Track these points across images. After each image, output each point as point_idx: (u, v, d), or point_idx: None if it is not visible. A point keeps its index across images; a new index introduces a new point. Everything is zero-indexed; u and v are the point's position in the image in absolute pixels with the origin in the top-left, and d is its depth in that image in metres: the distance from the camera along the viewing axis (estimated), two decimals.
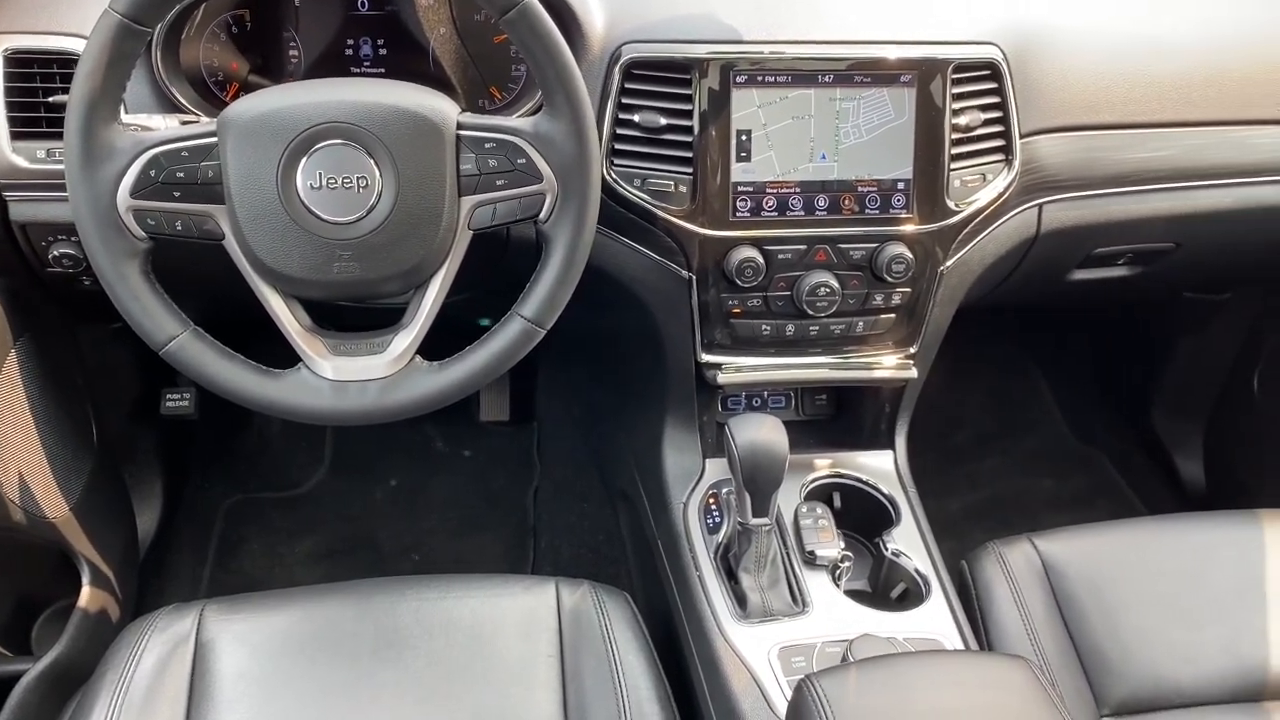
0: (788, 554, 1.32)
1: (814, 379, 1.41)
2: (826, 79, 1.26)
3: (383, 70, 1.32)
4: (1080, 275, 1.58)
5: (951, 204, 1.32)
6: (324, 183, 1.00)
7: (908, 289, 1.35)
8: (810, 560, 1.31)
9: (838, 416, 1.58)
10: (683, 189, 1.27)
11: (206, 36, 1.28)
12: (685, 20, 1.26)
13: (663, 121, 1.25)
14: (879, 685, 0.93)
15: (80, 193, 0.98)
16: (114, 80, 0.96)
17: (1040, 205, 1.41)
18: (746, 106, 1.25)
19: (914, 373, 1.41)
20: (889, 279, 1.33)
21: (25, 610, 1.58)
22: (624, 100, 1.25)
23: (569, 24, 1.24)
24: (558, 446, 2.19)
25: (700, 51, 1.24)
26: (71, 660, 1.42)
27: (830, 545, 1.31)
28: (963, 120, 1.30)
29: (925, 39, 1.29)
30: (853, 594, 1.29)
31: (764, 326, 1.35)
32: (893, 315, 1.37)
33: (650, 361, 1.46)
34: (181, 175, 0.99)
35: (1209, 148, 1.46)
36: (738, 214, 1.28)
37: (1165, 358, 2.12)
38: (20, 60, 1.20)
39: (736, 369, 1.38)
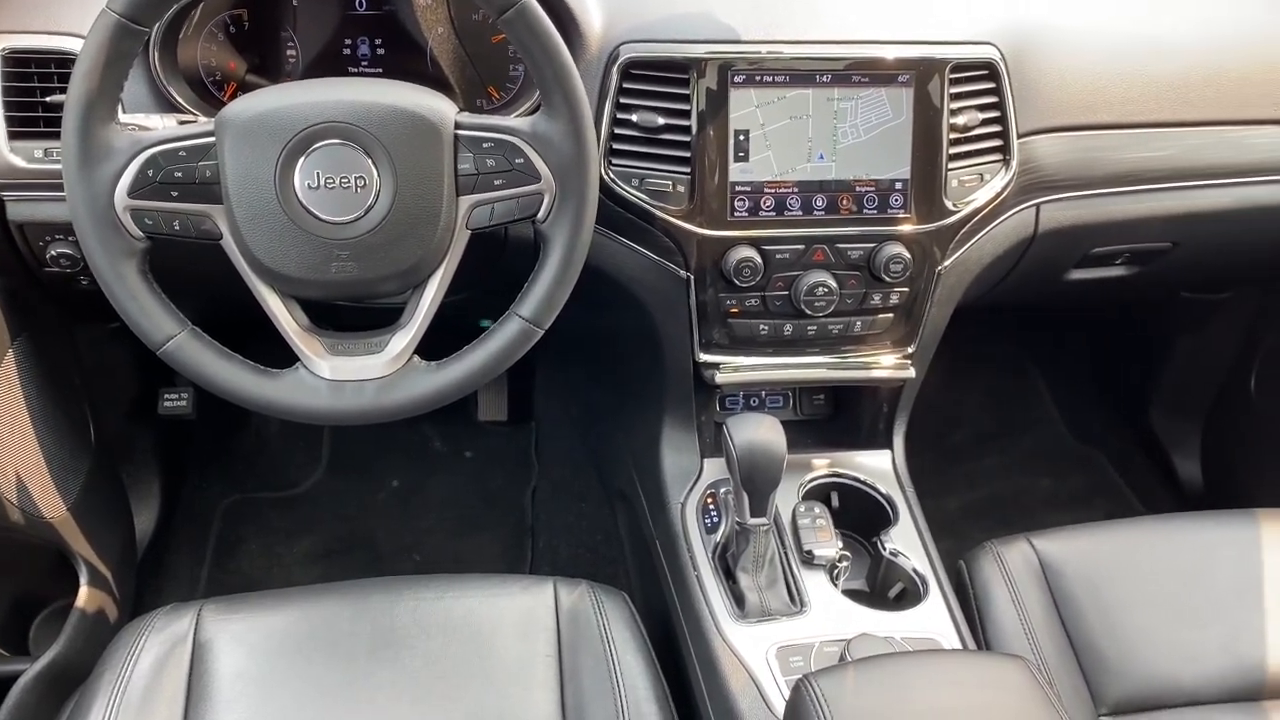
0: (786, 554, 1.32)
1: (812, 379, 1.41)
2: (824, 79, 1.26)
3: (380, 70, 1.32)
4: (1078, 275, 1.59)
5: (949, 204, 1.32)
6: (322, 182, 0.99)
7: (905, 289, 1.35)
8: (808, 560, 1.31)
9: (836, 416, 1.58)
10: (680, 189, 1.27)
11: (204, 36, 1.28)
12: (683, 20, 1.26)
13: (661, 121, 1.25)
14: (877, 685, 0.93)
15: (78, 192, 0.98)
16: (111, 80, 0.96)
17: (1038, 205, 1.41)
18: (744, 106, 1.25)
19: (912, 372, 1.41)
20: (887, 279, 1.33)
21: (23, 610, 1.58)
22: (622, 100, 1.25)
23: (567, 24, 1.24)
24: (556, 446, 2.19)
25: (698, 51, 1.24)
26: (69, 660, 1.42)
27: (828, 545, 1.31)
28: (960, 120, 1.30)
29: (923, 39, 1.29)
30: (850, 594, 1.29)
31: (762, 326, 1.35)
32: (890, 315, 1.37)
33: (648, 361, 1.46)
34: (179, 175, 0.99)
35: (1207, 148, 1.46)
36: (735, 214, 1.28)
37: (1163, 357, 2.12)
38: (18, 60, 1.20)
39: (734, 369, 1.38)
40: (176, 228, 1.00)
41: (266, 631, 1.15)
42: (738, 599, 1.27)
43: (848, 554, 1.33)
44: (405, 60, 1.32)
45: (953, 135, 1.30)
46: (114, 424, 1.80)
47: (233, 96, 1.28)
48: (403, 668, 1.13)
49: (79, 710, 1.09)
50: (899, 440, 1.51)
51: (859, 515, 1.44)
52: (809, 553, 1.31)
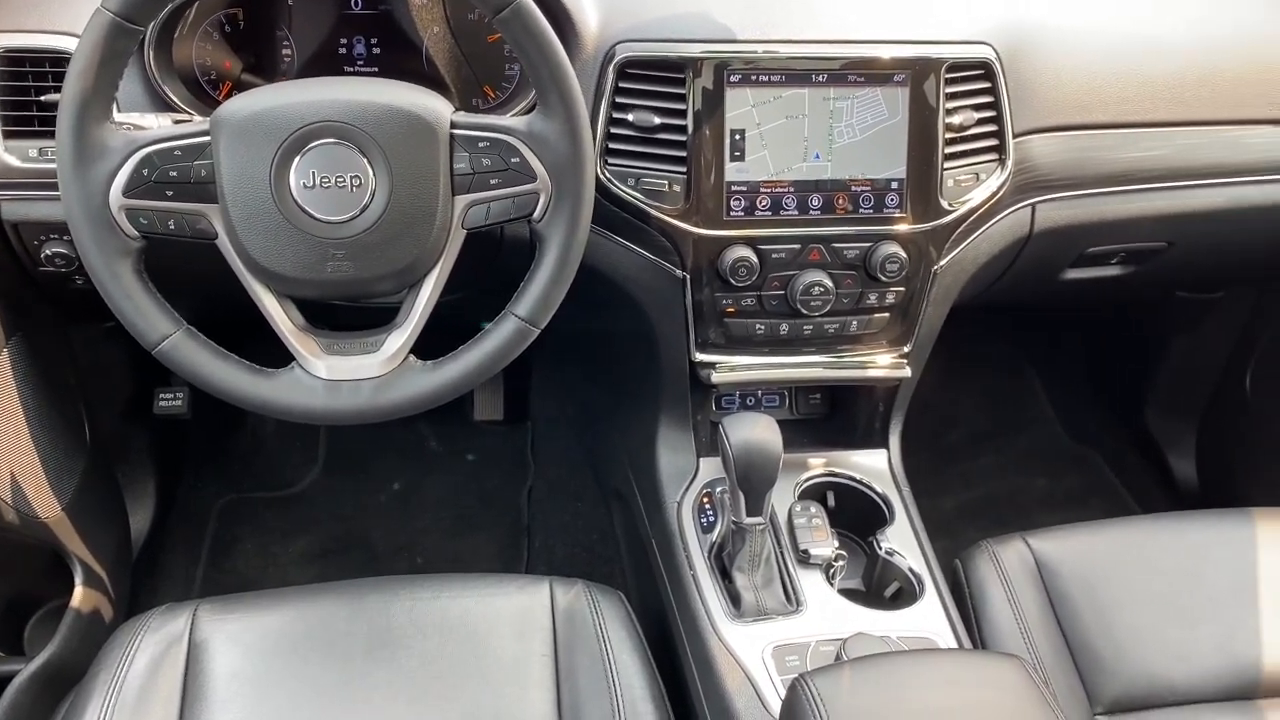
0: (782, 553, 1.32)
1: (808, 378, 1.41)
2: (820, 78, 1.26)
3: (376, 69, 1.32)
4: (1073, 274, 1.59)
5: (945, 203, 1.32)
6: (317, 182, 0.99)
7: (901, 288, 1.35)
8: (804, 559, 1.31)
9: (832, 416, 1.58)
10: (677, 188, 1.27)
11: (199, 35, 1.28)
12: (679, 19, 1.26)
13: (657, 121, 1.25)
14: (873, 684, 0.93)
15: (72, 192, 0.97)
16: (106, 79, 0.96)
17: (1033, 204, 1.41)
18: (740, 106, 1.25)
19: (908, 372, 1.41)
20: (883, 278, 1.33)
21: (18, 610, 1.58)
22: (618, 99, 1.25)
23: (563, 23, 1.24)
24: (552, 446, 2.19)
25: (694, 51, 1.24)
26: (64, 660, 1.42)
27: (824, 544, 1.31)
28: (956, 120, 1.30)
29: (919, 38, 1.29)
30: (846, 593, 1.29)
31: (758, 326, 1.35)
32: (886, 314, 1.37)
33: (644, 361, 1.46)
34: (174, 174, 0.99)
35: (1202, 147, 1.46)
36: (732, 213, 1.28)
37: (1158, 357, 2.12)
38: (12, 59, 1.19)
39: (731, 368, 1.38)
40: (171, 227, 1.00)
41: (262, 631, 1.15)
42: (734, 598, 1.27)
43: (843, 553, 1.33)
44: (401, 59, 1.32)
45: (948, 135, 1.30)
46: (109, 424, 1.80)
47: (228, 96, 1.27)
48: (399, 667, 1.13)
49: (74, 710, 1.09)
50: (895, 440, 1.51)
51: (855, 515, 1.44)
52: (805, 552, 1.31)
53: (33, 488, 1.40)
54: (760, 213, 1.29)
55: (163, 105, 1.22)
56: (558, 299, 1.07)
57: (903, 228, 1.32)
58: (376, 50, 1.32)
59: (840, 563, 1.32)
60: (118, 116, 1.02)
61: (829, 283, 1.32)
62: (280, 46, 1.31)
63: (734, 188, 1.27)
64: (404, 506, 2.09)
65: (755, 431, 1.19)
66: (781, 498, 1.36)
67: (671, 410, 1.46)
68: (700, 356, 1.37)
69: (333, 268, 1.02)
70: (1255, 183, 1.50)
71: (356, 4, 1.30)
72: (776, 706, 1.14)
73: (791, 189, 1.29)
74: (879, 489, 1.44)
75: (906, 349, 1.41)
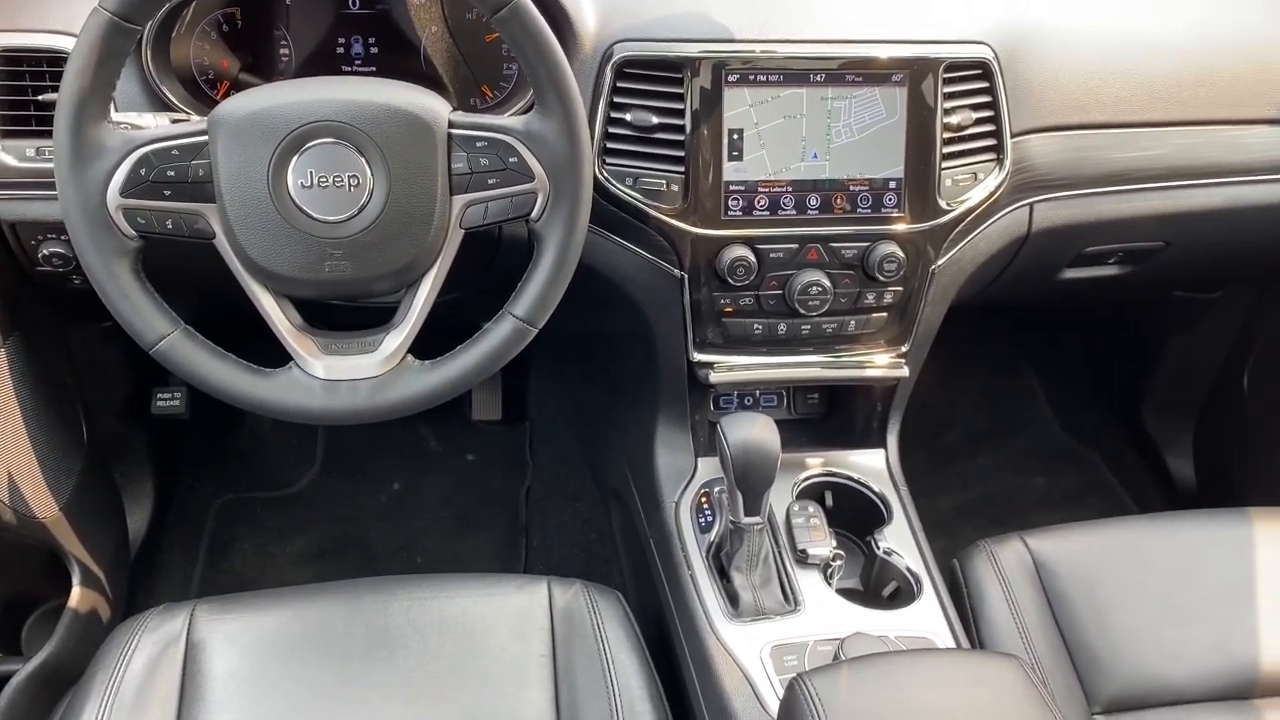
0: (779, 553, 1.32)
1: (806, 378, 1.41)
2: (818, 78, 1.27)
3: (374, 69, 1.32)
4: (1071, 274, 1.59)
5: (943, 203, 1.32)
6: (315, 181, 0.99)
7: (899, 288, 1.35)
8: (802, 559, 1.31)
9: (830, 415, 1.58)
10: (675, 188, 1.27)
11: (197, 35, 1.28)
12: (677, 19, 1.26)
13: (655, 120, 1.25)
14: (870, 684, 0.93)
15: (70, 191, 0.97)
16: (104, 78, 0.96)
17: (1031, 204, 1.41)
18: (738, 105, 1.25)
19: (906, 371, 1.41)
20: (881, 278, 1.33)
21: (15, 610, 1.58)
22: (616, 99, 1.25)
23: (561, 23, 1.24)
24: (550, 446, 2.19)
25: (692, 50, 1.24)
26: (62, 661, 1.42)
27: (822, 544, 1.31)
28: (954, 119, 1.30)
29: (917, 38, 1.29)
30: (844, 593, 1.29)
31: (756, 325, 1.35)
32: (884, 314, 1.37)
33: (642, 360, 1.46)
34: (172, 174, 0.99)
35: (1199, 147, 1.46)
36: (730, 213, 1.28)
37: (1156, 356, 2.13)
38: (10, 58, 1.19)
39: (729, 368, 1.38)
40: (169, 227, 1.00)
41: (260, 632, 1.15)
42: (732, 598, 1.27)
43: (841, 553, 1.33)
44: (399, 59, 1.32)
45: (946, 135, 1.30)
46: (107, 424, 1.80)
47: (225, 95, 1.28)
48: (397, 667, 1.13)
49: (71, 711, 1.08)
50: (893, 439, 1.51)
51: (853, 514, 1.44)
52: (803, 552, 1.31)
53: (30, 488, 1.40)
54: (758, 212, 1.29)
55: (160, 105, 1.22)
56: (556, 299, 1.07)
57: (900, 227, 1.32)
58: (374, 50, 1.32)
59: (838, 562, 1.31)
60: (115, 116, 1.02)
61: (827, 282, 1.32)
62: (278, 46, 1.30)
63: (732, 187, 1.27)
64: (401, 506, 2.09)
65: (753, 431, 1.19)
66: (779, 497, 1.36)
67: (669, 410, 1.46)
68: (698, 356, 1.37)
69: (330, 267, 1.01)
70: (1253, 182, 1.50)
71: (354, 3, 1.30)
72: (774, 706, 1.14)
73: (789, 189, 1.29)
74: (877, 489, 1.44)
75: (904, 349, 1.41)
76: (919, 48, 1.28)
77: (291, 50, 1.31)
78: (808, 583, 1.29)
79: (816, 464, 1.46)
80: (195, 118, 1.18)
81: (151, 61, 1.21)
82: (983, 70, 1.31)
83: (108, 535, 1.64)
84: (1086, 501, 2.18)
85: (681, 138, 1.25)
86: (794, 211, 1.29)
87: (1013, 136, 1.34)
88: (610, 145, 1.26)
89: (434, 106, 1.02)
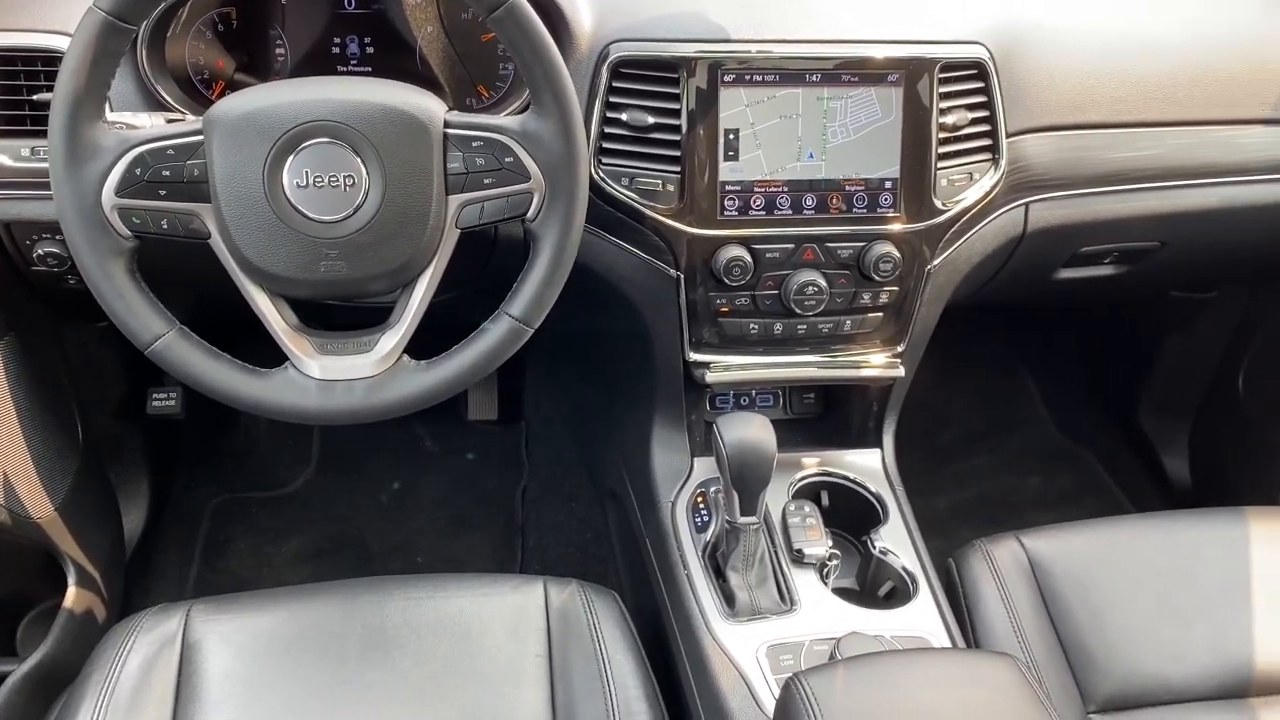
0: (776, 552, 1.32)
1: (802, 378, 1.41)
2: (814, 78, 1.27)
3: (370, 69, 1.32)
4: (1067, 274, 1.59)
5: (938, 203, 1.32)
6: (310, 181, 0.99)
7: (895, 288, 1.36)
8: (798, 559, 1.31)
9: (826, 415, 1.59)
10: (670, 188, 1.27)
11: (192, 34, 1.28)
12: (673, 19, 1.26)
13: (650, 120, 1.25)
14: (866, 683, 0.93)
15: (65, 191, 0.97)
16: (99, 78, 0.96)
17: (1027, 204, 1.41)
18: (734, 105, 1.25)
19: (901, 371, 1.41)
20: (876, 278, 1.33)
21: (10, 611, 1.58)
22: (612, 99, 1.25)
23: (557, 23, 1.24)
24: (546, 446, 2.19)
25: (688, 50, 1.24)
26: (57, 661, 1.42)
27: (818, 544, 1.31)
28: (950, 119, 1.30)
29: (912, 38, 1.29)
30: (840, 592, 1.29)
31: (752, 325, 1.35)
32: (880, 314, 1.37)
33: (638, 360, 1.46)
34: (167, 174, 0.99)
35: (1195, 147, 1.46)
36: (725, 213, 1.28)
37: (1151, 356, 2.13)
38: (4, 58, 1.19)
39: (725, 368, 1.38)
40: (164, 227, 1.00)
41: (255, 632, 1.15)
42: (728, 598, 1.27)
43: (837, 553, 1.33)
44: (394, 59, 1.32)
45: (942, 135, 1.30)
46: (102, 424, 1.80)
47: (221, 95, 1.28)
48: (393, 668, 1.13)
49: (67, 711, 1.08)
50: (889, 439, 1.51)
51: (849, 514, 1.44)
52: (799, 551, 1.31)
53: (25, 488, 1.40)
54: (754, 212, 1.29)
55: (155, 104, 1.22)
56: (551, 299, 1.07)
57: (896, 227, 1.32)
58: (370, 50, 1.31)
59: (834, 562, 1.32)
60: (110, 116, 1.02)
61: (823, 282, 1.32)
62: (273, 46, 1.30)
63: (728, 187, 1.27)
64: (398, 506, 2.08)
65: (749, 431, 1.19)
66: (775, 497, 1.36)
67: (666, 410, 1.46)
68: (694, 356, 1.37)
69: (326, 267, 1.01)
70: (1248, 183, 1.50)
71: (350, 3, 1.30)
72: (770, 706, 1.14)
73: (785, 189, 1.29)
74: (873, 488, 1.44)
75: (900, 348, 1.41)
76: (914, 48, 1.28)
77: (287, 50, 1.31)
78: (803, 582, 1.29)
79: (812, 464, 1.47)
80: (190, 117, 1.18)
81: (147, 61, 1.21)
82: (978, 70, 1.31)
83: (103, 535, 1.64)
84: (1082, 501, 2.18)
85: (677, 138, 1.25)
86: (790, 211, 1.29)
87: (1008, 136, 1.35)
88: (606, 145, 1.26)
89: (430, 106, 1.02)
